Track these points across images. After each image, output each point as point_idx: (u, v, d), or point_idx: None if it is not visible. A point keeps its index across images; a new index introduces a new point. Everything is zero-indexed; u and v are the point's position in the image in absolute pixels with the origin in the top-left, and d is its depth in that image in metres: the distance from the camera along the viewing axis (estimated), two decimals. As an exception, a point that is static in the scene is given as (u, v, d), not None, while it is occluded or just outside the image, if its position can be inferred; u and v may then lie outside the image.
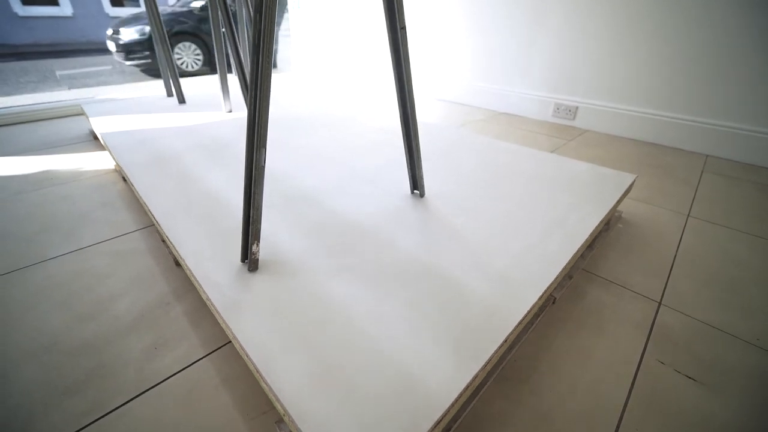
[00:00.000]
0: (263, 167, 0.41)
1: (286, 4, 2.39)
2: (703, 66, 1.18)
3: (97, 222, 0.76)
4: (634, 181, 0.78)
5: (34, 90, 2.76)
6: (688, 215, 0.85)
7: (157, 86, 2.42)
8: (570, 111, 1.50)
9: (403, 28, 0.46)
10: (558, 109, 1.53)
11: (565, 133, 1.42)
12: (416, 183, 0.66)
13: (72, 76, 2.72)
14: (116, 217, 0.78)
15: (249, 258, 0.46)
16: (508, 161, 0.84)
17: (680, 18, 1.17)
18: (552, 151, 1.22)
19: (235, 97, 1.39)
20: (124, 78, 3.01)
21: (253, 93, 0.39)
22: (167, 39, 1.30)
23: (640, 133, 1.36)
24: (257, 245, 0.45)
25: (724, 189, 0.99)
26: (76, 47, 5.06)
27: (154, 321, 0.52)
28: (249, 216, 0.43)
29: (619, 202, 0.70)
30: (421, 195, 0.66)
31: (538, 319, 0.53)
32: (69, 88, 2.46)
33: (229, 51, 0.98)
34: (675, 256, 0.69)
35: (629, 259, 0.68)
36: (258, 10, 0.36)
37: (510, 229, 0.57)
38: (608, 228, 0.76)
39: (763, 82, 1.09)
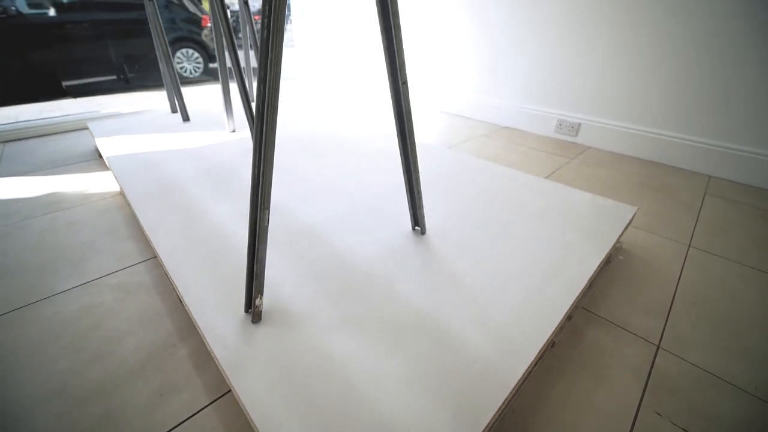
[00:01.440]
0: (266, 227, 0.42)
1: (289, 14, 2.39)
2: (707, 87, 1.17)
3: (103, 252, 0.77)
4: (635, 213, 0.78)
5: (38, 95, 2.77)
6: (689, 245, 0.85)
7: (160, 97, 2.44)
8: (572, 127, 1.50)
9: (405, 83, 0.47)
10: (560, 125, 1.53)
11: (567, 151, 1.42)
12: (417, 220, 0.66)
13: (77, 85, 2.74)
14: (122, 246, 0.79)
15: (252, 310, 0.47)
16: (508, 190, 0.84)
17: (685, 38, 1.17)
18: (553, 172, 1.22)
19: (238, 114, 1.40)
20: (128, 84, 3.03)
21: (257, 157, 0.40)
22: (171, 56, 1.31)
23: (642, 152, 1.36)
24: (260, 299, 0.46)
25: (725, 215, 0.99)
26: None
27: (160, 364, 0.53)
28: (253, 271, 0.44)
29: (620, 237, 0.71)
30: (422, 232, 0.67)
31: (537, 364, 0.53)
32: (74, 97, 2.48)
33: (233, 71, 0.99)
34: (674, 293, 0.69)
35: (629, 297, 0.68)
36: (262, 80, 0.37)
37: (510, 274, 0.57)
38: (609, 261, 0.76)
39: (766, 104, 1.09)
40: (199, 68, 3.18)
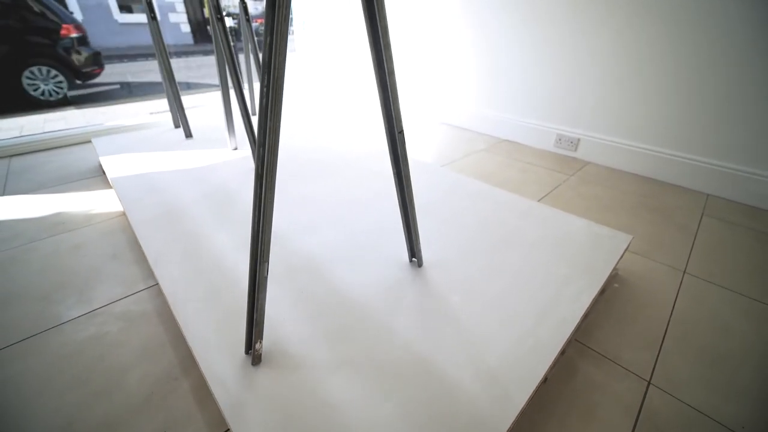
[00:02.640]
0: (266, 277, 0.44)
1: (291, 24, 2.40)
2: (706, 106, 1.18)
3: (107, 278, 0.79)
4: (630, 242, 0.79)
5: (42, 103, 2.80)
6: (684, 271, 0.86)
7: (162, 105, 2.46)
8: (572, 142, 1.50)
9: (401, 132, 0.48)
10: (560, 140, 1.53)
11: (566, 167, 1.43)
12: (414, 252, 0.68)
13: (81, 95, 2.77)
14: (126, 272, 0.81)
15: (252, 353, 0.48)
16: (505, 217, 0.85)
17: (685, 58, 1.17)
18: (552, 190, 1.23)
19: (239, 131, 1.42)
20: (131, 91, 3.05)
21: (256, 213, 0.41)
22: (173, 73, 1.32)
23: (641, 169, 1.36)
24: (260, 343, 0.47)
25: (722, 238, 1.00)
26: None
27: (163, 398, 0.55)
28: (253, 318, 0.46)
29: (614, 266, 0.72)
30: (419, 264, 0.68)
31: (529, 402, 0.55)
32: (78, 108, 2.51)
33: (234, 93, 1.01)
34: (667, 325, 0.70)
35: (622, 328, 0.69)
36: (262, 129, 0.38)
37: (505, 311, 0.59)
38: (604, 290, 0.77)
39: (763, 125, 1.09)
40: (60, 90, 2.48)
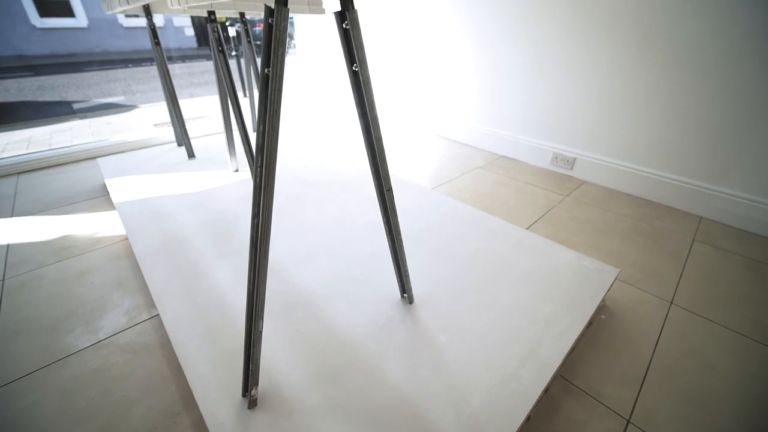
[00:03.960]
0: (261, 332, 0.46)
1: (293, 38, 2.43)
2: (702, 131, 1.19)
3: (113, 307, 0.82)
4: (617, 276, 0.81)
5: (50, 113, 2.85)
6: (672, 302, 0.88)
7: (164, 115, 2.50)
8: (568, 161, 1.52)
9: (389, 190, 0.51)
10: (556, 158, 1.55)
11: (562, 186, 1.45)
12: (404, 288, 0.70)
13: (87, 107, 2.82)
14: (130, 301, 0.84)
15: (248, 397, 0.51)
16: (497, 248, 0.88)
17: (681, 82, 1.19)
18: (546, 212, 1.25)
19: (241, 152, 1.45)
20: (135, 99, 3.10)
21: (251, 275, 0.44)
22: (176, 94, 1.36)
23: (636, 190, 1.38)
24: (256, 389, 0.50)
25: (712, 266, 1.01)
26: (91, 57, 5.18)
27: (165, 435, 0.58)
28: (248, 368, 0.49)
29: (602, 299, 0.74)
30: (410, 301, 0.71)
31: (512, 442, 0.57)
32: (83, 118, 2.55)
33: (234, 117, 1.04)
34: (650, 361, 0.73)
35: (606, 363, 0.72)
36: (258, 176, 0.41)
37: (490, 352, 0.61)
38: (591, 323, 0.80)
39: (761, 152, 1.11)
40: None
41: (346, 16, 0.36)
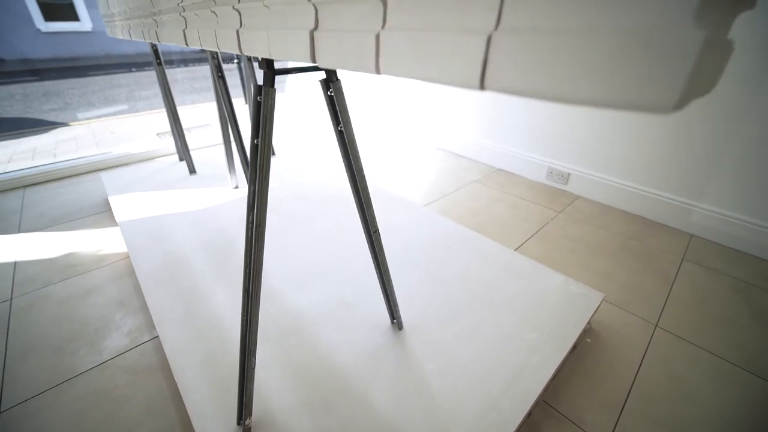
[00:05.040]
0: (254, 368, 0.50)
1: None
2: (695, 150, 1.21)
3: (116, 328, 0.86)
4: (603, 300, 0.84)
5: (56, 118, 2.90)
6: (656, 325, 0.90)
7: (167, 122, 2.53)
8: (563, 176, 1.54)
9: (376, 231, 0.54)
10: (551, 172, 1.57)
11: (556, 201, 1.47)
12: (393, 315, 0.73)
13: (91, 115, 2.87)
14: (133, 322, 0.87)
15: (243, 426, 0.54)
16: (486, 272, 0.91)
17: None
18: (540, 229, 1.28)
19: (240, 169, 1.48)
20: (138, 106, 3.14)
21: (244, 317, 0.47)
22: (177, 113, 1.39)
23: (629, 206, 1.40)
24: (250, 419, 0.53)
25: (699, 287, 1.03)
26: (96, 61, 5.23)
27: (165, 457, 0.62)
28: (243, 400, 0.52)
29: (588, 322, 0.77)
30: (399, 327, 0.74)
31: (493, 468, 0.60)
32: (87, 126, 2.60)
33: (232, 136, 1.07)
34: (632, 386, 0.75)
35: (588, 388, 0.74)
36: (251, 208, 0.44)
37: (473, 381, 0.64)
38: (576, 347, 0.82)
39: (754, 173, 1.12)
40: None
41: (331, 85, 0.39)
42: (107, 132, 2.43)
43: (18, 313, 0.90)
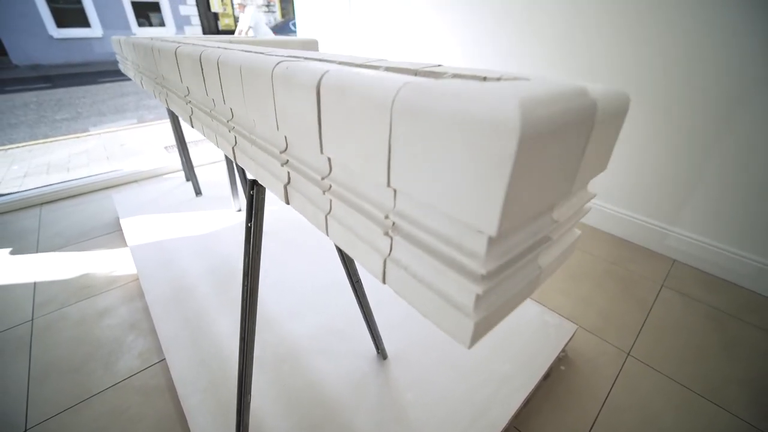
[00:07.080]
0: (249, 403, 0.57)
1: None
2: (679, 177, 1.26)
3: (128, 349, 0.94)
4: (577, 330, 0.90)
5: (68, 129, 3.00)
6: (629, 354, 0.96)
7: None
8: (552, 198, 1.60)
9: (358, 281, 0.61)
10: (542, 194, 1.63)
11: (545, 223, 1.52)
12: (378, 346, 0.80)
13: (102, 125, 2.97)
14: (143, 343, 0.95)
15: (239, 452, 0.62)
16: (469, 300, 0.97)
17: (659, 127, 1.26)
18: (526, 253, 1.33)
19: (241, 192, 1.56)
20: (147, 116, 3.24)
21: (241, 361, 0.54)
22: (184, 136, 1.47)
23: (615, 229, 1.45)
24: (245, 447, 0.61)
25: (675, 314, 1.09)
26: (106, 67, 5.37)
27: (171, 475, 0.69)
28: (240, 430, 0.59)
29: (563, 350, 0.83)
30: (384, 357, 0.81)
31: (464, 491, 0.67)
32: (98, 137, 2.70)
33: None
34: (597, 415, 0.81)
35: (558, 417, 0.81)
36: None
37: (446, 412, 0.71)
38: (549, 375, 0.88)
39: (728, 199, 1.17)
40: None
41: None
42: (117, 144, 2.53)
43: (38, 334, 0.99)
